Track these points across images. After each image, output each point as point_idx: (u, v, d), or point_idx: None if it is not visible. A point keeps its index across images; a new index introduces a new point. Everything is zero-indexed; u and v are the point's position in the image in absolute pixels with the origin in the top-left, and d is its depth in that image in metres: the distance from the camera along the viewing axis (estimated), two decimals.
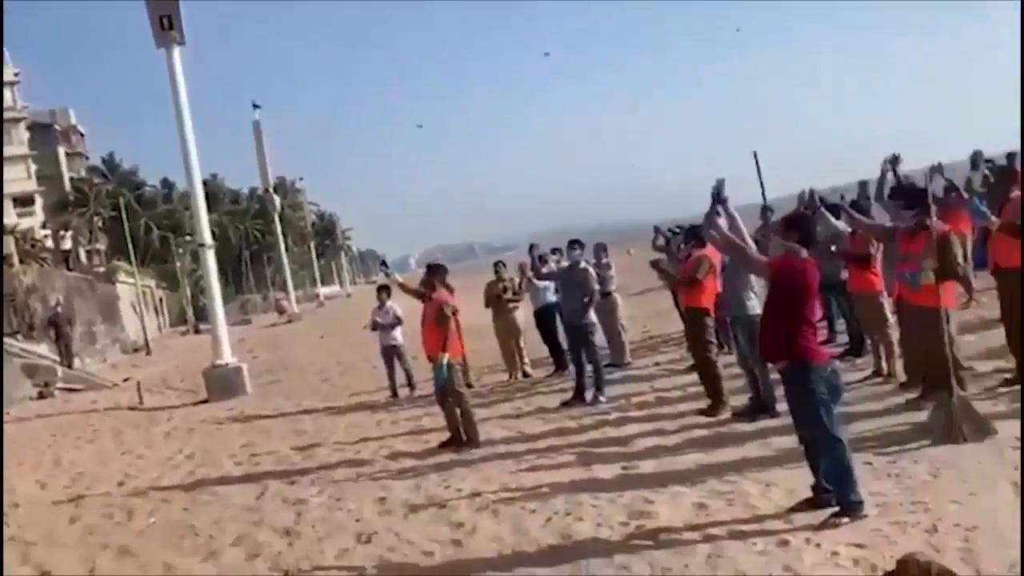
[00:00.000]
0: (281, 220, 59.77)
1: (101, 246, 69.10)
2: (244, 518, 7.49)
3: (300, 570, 5.97)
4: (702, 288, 8.79)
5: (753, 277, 7.82)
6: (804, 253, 5.50)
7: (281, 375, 19.46)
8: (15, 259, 33.73)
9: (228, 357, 17.41)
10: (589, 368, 10.32)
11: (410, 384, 13.28)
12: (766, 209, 13.57)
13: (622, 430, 8.56)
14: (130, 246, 46.58)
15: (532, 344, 13.59)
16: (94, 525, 8.02)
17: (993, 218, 7.76)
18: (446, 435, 9.19)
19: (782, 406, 6.97)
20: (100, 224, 68.38)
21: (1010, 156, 14.22)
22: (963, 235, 10.56)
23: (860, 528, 5.07)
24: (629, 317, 14.51)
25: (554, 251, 13.03)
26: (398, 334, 13.33)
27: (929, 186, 7.36)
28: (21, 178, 61.19)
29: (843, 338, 10.54)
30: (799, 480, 5.78)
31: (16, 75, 64.84)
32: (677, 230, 12.52)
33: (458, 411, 9.06)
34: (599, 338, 11.06)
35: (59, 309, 26.12)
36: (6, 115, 57.86)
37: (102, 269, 50.32)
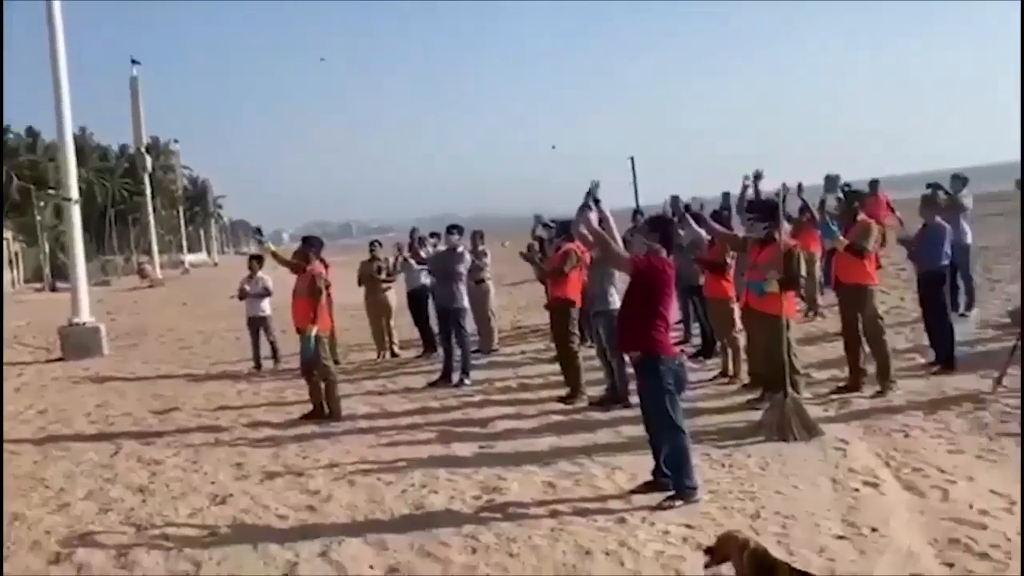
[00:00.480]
0: (151, 181, 57.63)
1: None
2: (97, 474, 7.43)
3: (153, 524, 6.01)
4: (568, 281, 9.15)
5: (617, 275, 8.21)
6: (664, 253, 5.89)
7: (140, 339, 18.94)
8: None
9: (86, 316, 16.86)
10: (457, 352, 10.57)
11: (275, 357, 13.21)
12: (637, 212, 14.14)
13: (483, 412, 8.85)
14: None
15: (402, 325, 13.74)
16: None
17: (841, 238, 8.37)
18: (308, 407, 9.27)
19: (636, 399, 7.36)
20: None
21: (872, 183, 15.18)
22: (810, 253, 11.36)
23: (692, 511, 5.48)
24: (500, 306, 14.84)
25: (433, 235, 13.25)
26: (266, 305, 13.24)
27: (782, 203, 7.91)
28: None
29: (699, 340, 11.10)
30: (642, 465, 6.16)
31: None
32: (552, 224, 12.89)
33: (322, 384, 9.15)
34: (469, 324, 11.31)
35: None
36: None
37: None
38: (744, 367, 9.05)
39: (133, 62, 51.88)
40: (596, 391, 8.98)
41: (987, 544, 4.64)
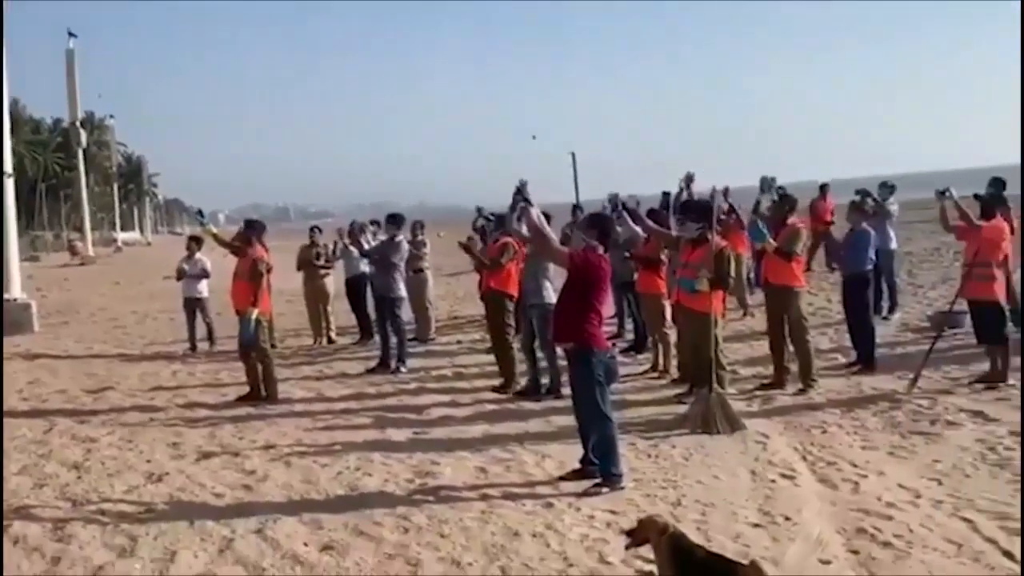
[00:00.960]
0: (85, 156, 56.23)
1: None
2: (31, 450, 7.42)
3: (88, 500, 6.05)
4: (506, 273, 9.31)
5: (552, 269, 8.40)
6: (601, 249, 6.11)
7: (71, 317, 18.64)
8: None
9: (17, 292, 16.56)
10: (393, 340, 10.68)
11: (210, 338, 13.16)
12: (576, 208, 14.37)
13: (418, 399, 9.00)
14: None
15: (340, 311, 13.79)
16: None
17: (770, 240, 8.69)
18: (244, 390, 9.32)
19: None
20: None
21: (822, 187, 15.60)
22: (738, 254, 11.76)
23: (617, 497, 5.72)
24: (438, 296, 14.95)
25: (373, 222, 13.31)
26: (203, 287, 13.18)
27: (716, 204, 8.20)
28: None
29: (632, 335, 11.36)
30: (571, 454, 6.38)
31: None
32: (491, 217, 13.06)
33: (260, 367, 9.20)
34: (406, 312, 11.42)
35: None
36: None
37: None
38: (674, 362, 9.33)
39: (70, 34, 50.51)
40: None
41: (891, 534, 4.94)
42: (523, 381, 9.08)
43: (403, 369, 10.48)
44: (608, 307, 6.58)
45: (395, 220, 11.10)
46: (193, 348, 13.02)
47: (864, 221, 9.34)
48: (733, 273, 8.46)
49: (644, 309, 10.02)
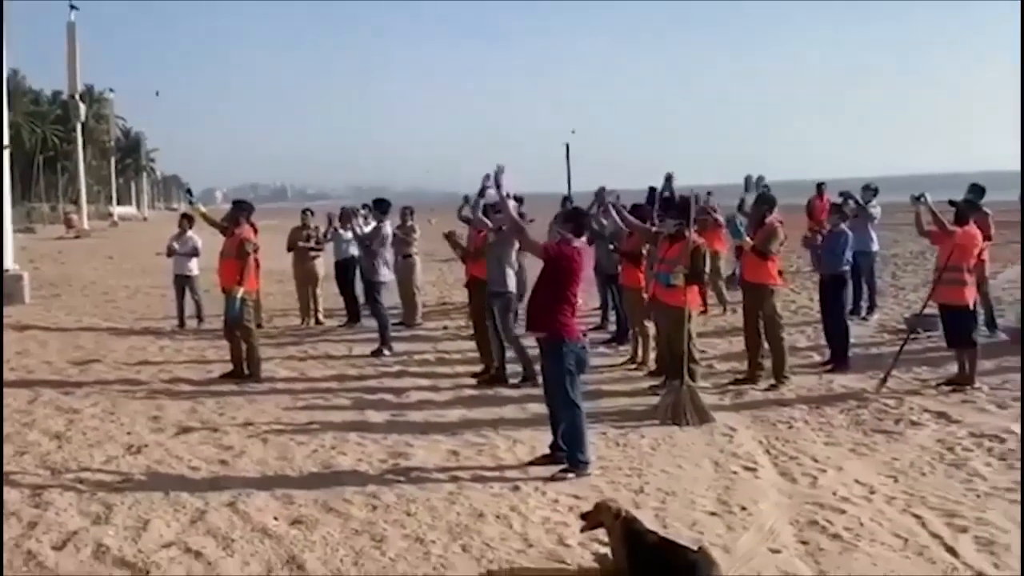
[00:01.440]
0: (83, 130, 56.20)
1: None
2: (14, 419, 7.58)
3: (67, 469, 6.21)
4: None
5: (514, 258, 8.54)
6: (576, 242, 6.26)
7: (63, 290, 18.78)
8: None
9: (10, 264, 16.69)
10: (375, 323, 10.81)
11: (199, 316, 13.32)
12: (567, 199, 14.52)
13: (399, 382, 9.16)
14: None
15: (329, 294, 13.93)
16: None
17: (747, 238, 8.85)
18: (229, 367, 9.47)
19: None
20: None
21: (819, 186, 15.73)
22: (715, 252, 12.00)
23: (582, 483, 5.89)
24: (428, 282, 15.09)
25: (364, 206, 13.45)
26: (193, 265, 13.33)
27: (694, 203, 8.36)
28: None
29: (615, 326, 11.53)
30: (543, 439, 6.54)
31: None
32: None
33: (244, 345, 9.36)
34: (391, 297, 11.56)
35: None
36: None
37: None
38: (653, 354, 9.50)
39: (71, 7, 50.43)
40: (513, 368, 9.26)
41: (842, 527, 5.11)
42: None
43: (387, 352, 10.63)
44: (584, 298, 6.73)
45: (380, 206, 11.21)
46: (181, 324, 13.18)
47: (844, 223, 9.49)
48: (708, 269, 8.61)
49: (625, 302, 10.17)
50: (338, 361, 10.44)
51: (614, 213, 9.79)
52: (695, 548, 4.37)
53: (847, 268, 9.41)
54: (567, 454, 6.14)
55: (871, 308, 12.34)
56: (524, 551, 4.83)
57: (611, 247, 10.05)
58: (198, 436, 7.11)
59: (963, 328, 8.33)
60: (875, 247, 12.45)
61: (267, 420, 7.61)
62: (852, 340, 9.58)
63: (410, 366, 10.06)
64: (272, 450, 6.70)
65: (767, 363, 8.78)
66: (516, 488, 5.81)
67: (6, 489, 5.75)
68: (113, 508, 5.43)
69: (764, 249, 8.49)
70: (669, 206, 8.64)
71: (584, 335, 6.25)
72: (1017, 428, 6.90)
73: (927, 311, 9.15)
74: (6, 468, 6.24)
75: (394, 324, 11.80)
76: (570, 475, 6.00)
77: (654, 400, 7.95)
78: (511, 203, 6.53)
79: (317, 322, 13.44)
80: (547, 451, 6.35)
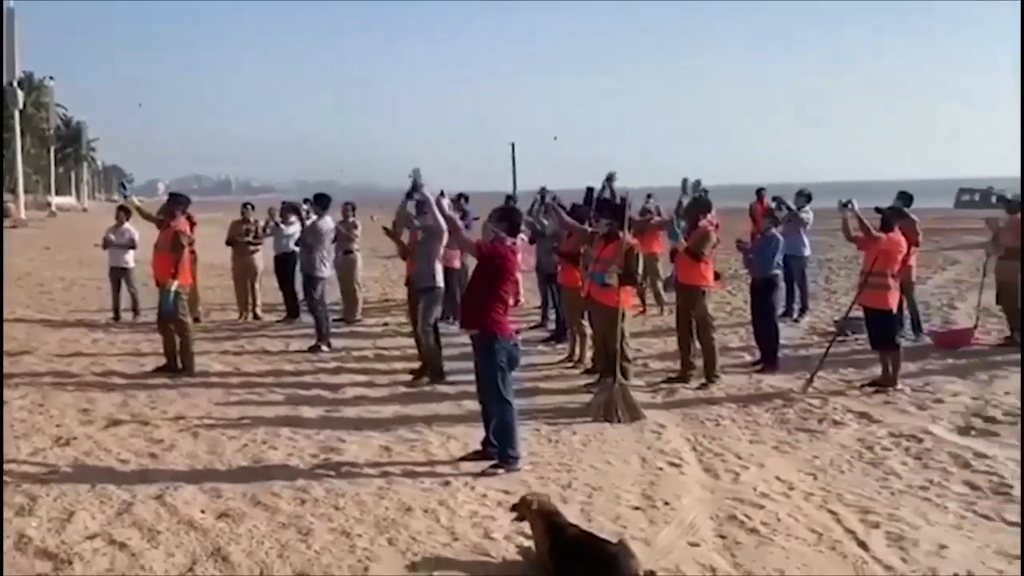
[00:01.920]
0: (21, 117, 54.95)
1: None
2: None
3: None
4: None
5: (442, 253, 8.63)
6: (509, 241, 6.35)
7: None
8: None
9: None
10: (312, 319, 10.79)
11: (134, 309, 13.17)
12: (510, 198, 14.65)
13: (336, 378, 9.17)
14: None
15: (267, 288, 13.85)
16: None
17: (683, 240, 9.01)
18: (162, 361, 9.39)
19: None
20: None
21: (758, 191, 16.01)
22: (653, 253, 12.23)
23: (511, 478, 5.98)
24: (371, 278, 15.06)
25: (305, 201, 13.40)
26: (129, 257, 13.19)
27: (629, 204, 8.50)
28: None
29: (554, 325, 11.64)
30: (476, 436, 6.61)
31: None
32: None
33: (178, 339, 9.29)
34: (331, 293, 11.54)
35: None
36: None
37: None
38: (590, 353, 9.63)
39: None
40: (452, 365, 9.28)
41: (759, 521, 5.26)
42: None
43: (324, 348, 10.62)
44: (513, 296, 6.83)
45: (320, 201, 11.19)
46: (116, 317, 13.02)
47: (775, 227, 9.71)
48: (644, 270, 8.76)
49: (564, 301, 10.29)
50: (274, 356, 10.40)
51: (558, 214, 9.92)
52: (615, 541, 4.48)
53: (778, 272, 9.62)
54: (498, 450, 6.22)
55: (803, 311, 12.63)
56: (450, 544, 4.90)
57: (553, 247, 10.16)
58: (128, 429, 7.07)
59: (886, 331, 8.58)
60: (807, 251, 12.74)
61: (199, 414, 7.58)
62: (782, 341, 9.82)
63: (347, 362, 10.07)
64: (202, 444, 6.69)
65: (699, 362, 8.97)
66: (446, 483, 5.87)
67: None
68: (37, 500, 5.39)
69: (697, 251, 8.67)
70: (605, 207, 8.77)
71: (517, 332, 6.34)
72: (935, 429, 7.15)
73: (853, 314, 9.40)
74: None
75: (334, 320, 11.80)
76: (500, 470, 6.08)
77: (588, 398, 8.06)
78: (445, 200, 6.59)
79: (255, 317, 13.37)
80: (479, 447, 6.43)
